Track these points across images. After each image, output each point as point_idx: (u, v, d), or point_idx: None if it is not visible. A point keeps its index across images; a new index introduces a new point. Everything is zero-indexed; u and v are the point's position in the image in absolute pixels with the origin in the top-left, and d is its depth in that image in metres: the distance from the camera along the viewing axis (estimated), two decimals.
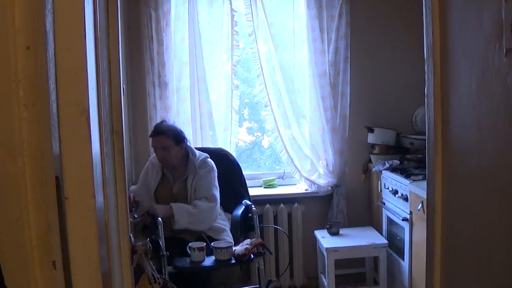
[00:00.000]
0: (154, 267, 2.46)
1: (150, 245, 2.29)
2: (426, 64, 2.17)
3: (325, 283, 4.95)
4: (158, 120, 5.00)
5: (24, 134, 1.20)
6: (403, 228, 4.60)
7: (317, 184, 5.47)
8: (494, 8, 1.69)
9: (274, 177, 5.73)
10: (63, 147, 1.29)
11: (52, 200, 1.25)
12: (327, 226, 5.17)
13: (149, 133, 4.82)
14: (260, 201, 5.32)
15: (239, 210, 4.82)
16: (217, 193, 4.65)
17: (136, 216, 4.32)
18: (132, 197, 4.30)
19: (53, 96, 1.28)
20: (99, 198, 1.40)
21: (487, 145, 1.79)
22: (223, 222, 4.70)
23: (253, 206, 4.78)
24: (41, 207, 1.22)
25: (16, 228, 1.20)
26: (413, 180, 4.45)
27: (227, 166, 5.02)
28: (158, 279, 2.39)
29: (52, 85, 1.28)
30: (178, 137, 4.61)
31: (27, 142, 1.20)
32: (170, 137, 4.56)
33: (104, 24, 1.94)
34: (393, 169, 4.95)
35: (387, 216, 5.07)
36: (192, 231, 4.51)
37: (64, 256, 1.32)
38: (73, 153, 1.30)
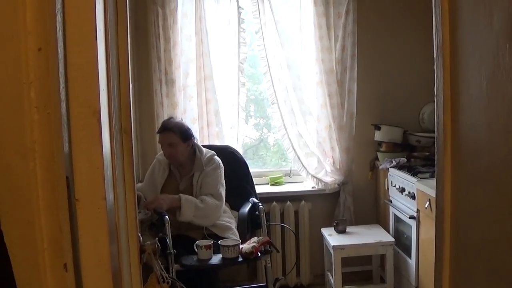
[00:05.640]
0: (162, 266, 2.46)
1: (159, 244, 2.29)
2: (435, 63, 2.15)
3: (332, 281, 4.95)
4: (165, 118, 4.99)
5: (36, 136, 1.20)
6: (410, 226, 4.59)
7: (324, 182, 5.46)
8: (504, 8, 1.68)
9: (281, 175, 5.73)
10: (74, 148, 1.29)
11: (63, 202, 1.25)
12: (334, 224, 5.17)
13: (156, 131, 4.82)
14: (266, 198, 5.31)
15: (246, 208, 4.81)
16: (223, 191, 4.65)
17: (146, 211, 4.36)
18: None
19: (63, 98, 1.28)
20: (110, 198, 1.39)
21: (498, 145, 1.79)
22: (229, 219, 4.69)
23: (260, 204, 4.78)
24: (52, 209, 1.22)
25: (28, 230, 1.21)
26: (420, 178, 4.44)
27: (234, 164, 5.02)
28: (166, 278, 2.40)
29: (62, 86, 1.28)
30: (185, 134, 4.61)
31: (38, 144, 1.20)
32: (177, 134, 4.56)
33: (113, 22, 1.94)
34: (400, 167, 4.94)
35: (394, 214, 5.06)
36: (198, 229, 4.51)
37: (74, 257, 1.32)
38: (84, 155, 1.29)
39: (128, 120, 2.10)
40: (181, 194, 4.50)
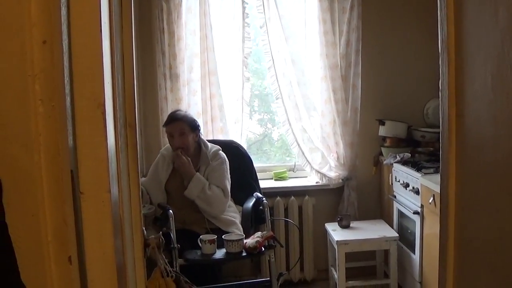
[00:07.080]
0: (166, 260, 2.46)
1: (163, 238, 2.29)
2: (440, 58, 2.15)
3: (336, 276, 4.95)
4: (169, 112, 4.99)
5: (40, 129, 1.19)
6: (414, 222, 4.59)
7: (328, 177, 5.46)
8: (509, 3, 1.67)
9: (285, 170, 5.72)
10: (79, 141, 1.29)
11: (68, 195, 1.24)
12: (338, 219, 5.17)
13: (161, 126, 4.83)
14: (270, 193, 5.31)
15: (250, 203, 4.81)
16: (229, 187, 4.66)
17: (150, 205, 4.42)
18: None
19: (67, 90, 1.28)
20: (114, 192, 1.39)
21: (503, 140, 1.78)
22: (233, 214, 4.70)
23: (264, 198, 4.78)
24: (57, 202, 1.21)
25: (32, 223, 1.20)
26: (425, 173, 4.44)
27: (238, 158, 5.02)
28: (170, 272, 2.40)
29: (66, 79, 1.27)
30: (193, 123, 4.66)
31: (43, 137, 1.20)
32: (186, 123, 4.59)
33: (118, 17, 1.93)
34: (404, 162, 4.94)
35: (398, 209, 5.06)
36: (202, 223, 4.53)
37: (78, 250, 1.32)
38: (89, 148, 1.29)
39: (132, 114, 2.10)
40: (197, 173, 4.56)
